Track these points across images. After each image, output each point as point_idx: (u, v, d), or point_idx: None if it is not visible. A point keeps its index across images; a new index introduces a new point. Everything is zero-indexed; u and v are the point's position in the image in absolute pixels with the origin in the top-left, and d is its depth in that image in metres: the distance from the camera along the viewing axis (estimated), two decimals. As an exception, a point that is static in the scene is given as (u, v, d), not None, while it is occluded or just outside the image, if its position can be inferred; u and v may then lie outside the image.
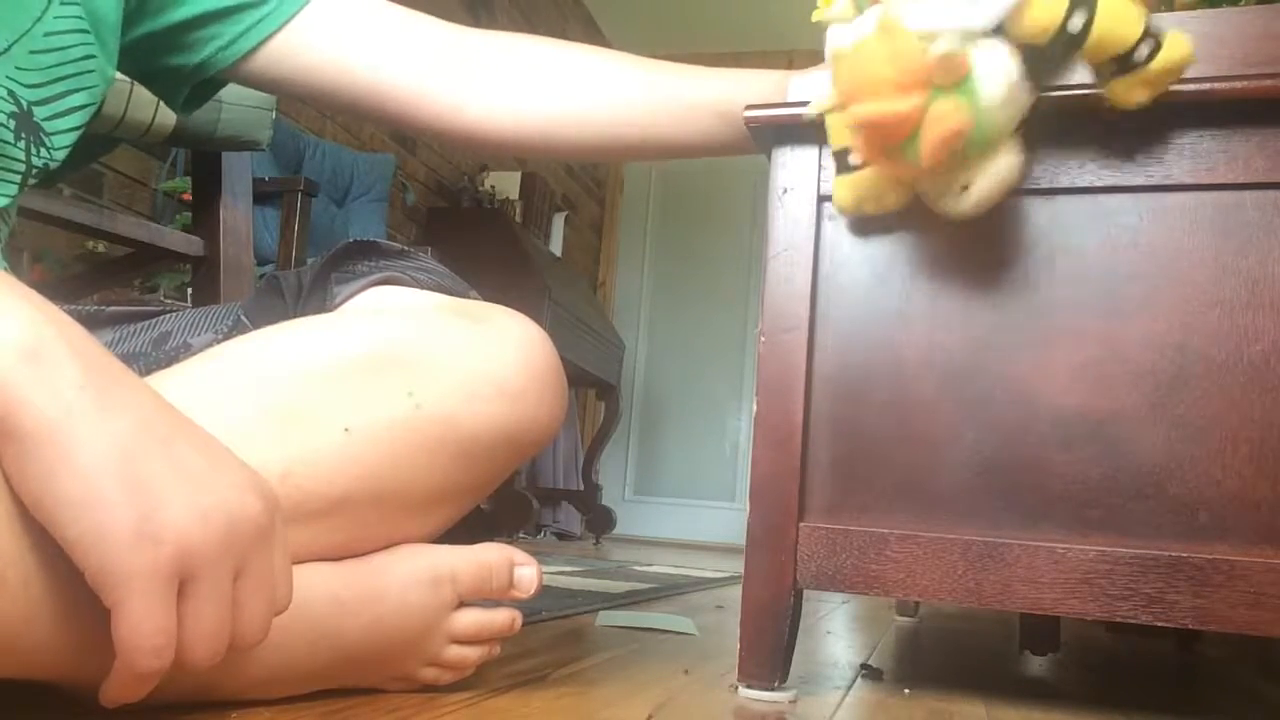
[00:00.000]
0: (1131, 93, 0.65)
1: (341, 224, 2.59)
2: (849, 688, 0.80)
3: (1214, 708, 0.90)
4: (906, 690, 0.81)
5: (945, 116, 0.60)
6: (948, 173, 0.65)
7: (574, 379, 3.42)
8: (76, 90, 0.65)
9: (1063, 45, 0.63)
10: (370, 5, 0.78)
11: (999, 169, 0.65)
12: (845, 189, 0.72)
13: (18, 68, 0.62)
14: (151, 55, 0.74)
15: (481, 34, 0.81)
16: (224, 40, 0.73)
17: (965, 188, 0.65)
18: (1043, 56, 0.65)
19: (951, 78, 0.60)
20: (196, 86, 0.78)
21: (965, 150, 0.63)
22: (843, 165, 0.71)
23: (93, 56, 0.65)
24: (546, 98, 0.79)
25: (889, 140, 0.62)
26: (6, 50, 0.61)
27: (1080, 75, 0.70)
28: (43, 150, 0.65)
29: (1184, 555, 0.66)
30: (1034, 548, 0.69)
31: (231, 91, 0.97)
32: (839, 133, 0.71)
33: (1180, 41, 0.64)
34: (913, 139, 0.61)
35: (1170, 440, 0.68)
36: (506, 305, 0.68)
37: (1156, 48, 0.63)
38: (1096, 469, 0.69)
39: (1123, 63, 0.64)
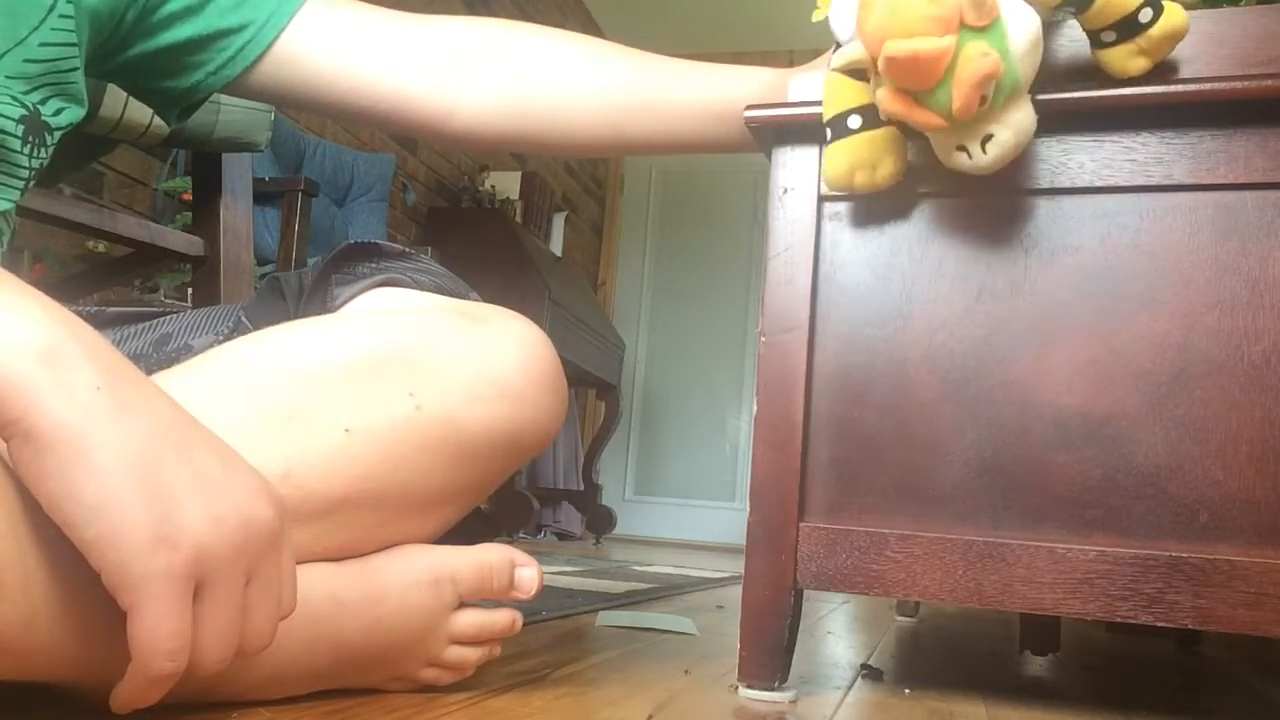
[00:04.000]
0: (1130, 61, 0.66)
1: (341, 224, 2.59)
2: (849, 688, 0.80)
3: (1214, 708, 0.90)
4: (907, 690, 0.81)
5: (979, 57, 0.60)
6: (971, 123, 0.64)
7: (574, 379, 3.42)
8: (58, 96, 0.65)
9: (1072, 3, 0.64)
10: (354, 13, 0.77)
11: (1020, 120, 0.65)
12: (839, 157, 0.71)
13: (8, 76, 0.62)
14: (143, 77, 0.74)
15: (469, 26, 0.80)
16: (212, 66, 0.73)
17: (988, 139, 0.65)
18: (1050, 13, 0.65)
19: (984, 18, 0.60)
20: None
21: (993, 97, 0.63)
22: (840, 130, 0.70)
23: (77, 69, 0.66)
24: (536, 95, 0.79)
25: (922, 82, 0.62)
26: (0, 57, 0.61)
27: (1081, 76, 0.70)
28: (41, 151, 0.65)
29: (1184, 555, 0.66)
30: (1034, 548, 0.69)
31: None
32: (838, 95, 0.70)
33: (1178, 10, 0.64)
34: (944, 83, 0.61)
35: (1170, 440, 0.68)
36: (506, 305, 0.68)
37: (1158, 13, 0.64)
38: (1096, 469, 0.69)
39: (1125, 27, 0.64)
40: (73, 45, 0.64)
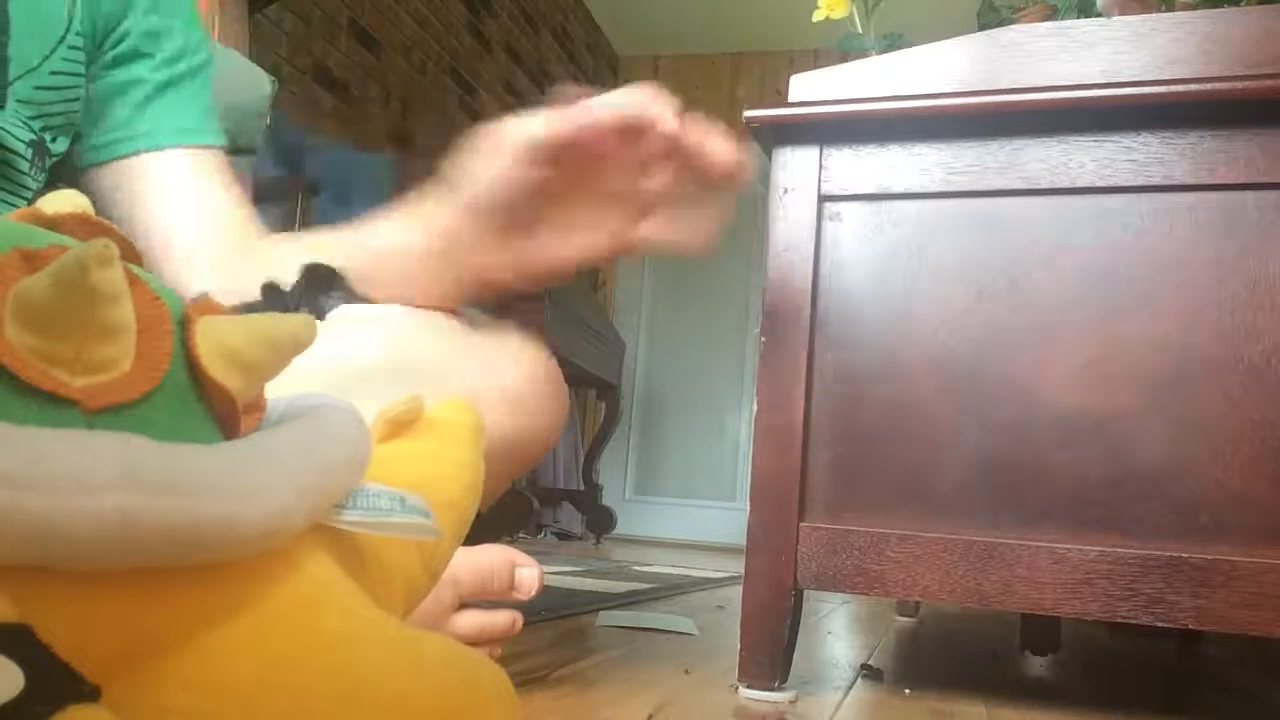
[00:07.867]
0: None
1: (342, 224, 2.59)
2: (849, 688, 0.80)
3: (1214, 708, 0.90)
4: (907, 690, 0.81)
5: None
6: None
7: (574, 379, 3.42)
8: (60, 127, 0.66)
9: None
10: (193, 175, 0.72)
11: None
12: None
13: (18, 100, 0.63)
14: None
15: (261, 238, 0.76)
16: (89, 144, 0.70)
17: None
18: None
19: None
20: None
21: None
22: None
23: (79, 99, 0.66)
24: None
25: None
26: (13, 83, 0.62)
27: (1083, 75, 0.70)
28: (40, 175, 0.66)
29: (1184, 555, 0.66)
30: (1034, 548, 0.69)
31: (222, 97, 0.96)
32: None
33: None
34: None
35: (1171, 440, 0.68)
36: (506, 305, 0.68)
37: None
38: (1097, 469, 0.69)
39: None
40: (80, 75, 0.65)
